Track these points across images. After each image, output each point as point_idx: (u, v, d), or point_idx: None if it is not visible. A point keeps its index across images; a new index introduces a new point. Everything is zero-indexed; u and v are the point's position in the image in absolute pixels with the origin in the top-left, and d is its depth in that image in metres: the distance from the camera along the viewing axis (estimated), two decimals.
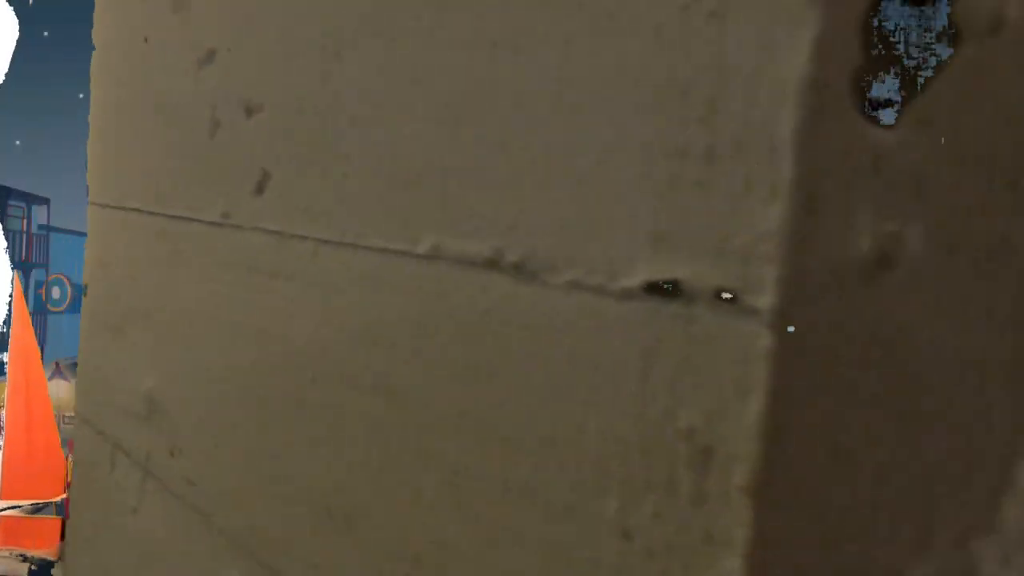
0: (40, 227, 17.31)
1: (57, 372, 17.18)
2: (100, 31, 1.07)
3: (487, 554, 0.50)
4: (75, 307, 16.76)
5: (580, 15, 0.43)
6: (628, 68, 0.41)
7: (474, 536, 0.50)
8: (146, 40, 0.94)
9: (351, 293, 0.61)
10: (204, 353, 0.81)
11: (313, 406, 0.65)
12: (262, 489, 0.70)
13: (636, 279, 0.40)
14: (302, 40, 0.67)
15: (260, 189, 0.72)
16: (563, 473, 0.45)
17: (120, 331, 1.02)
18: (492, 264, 0.49)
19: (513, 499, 0.48)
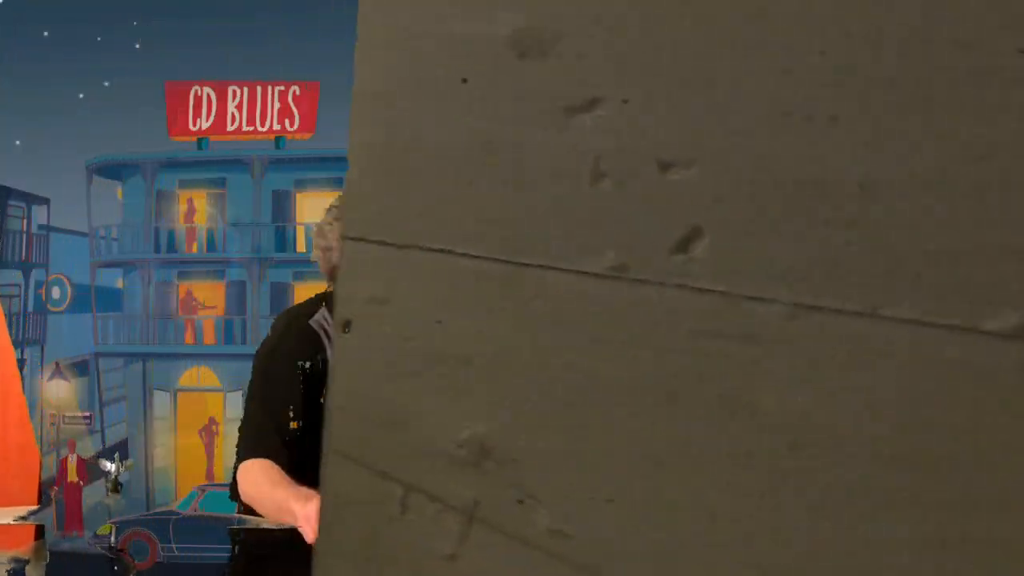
0: (40, 227, 17.15)
1: (57, 372, 17.04)
2: (370, 74, 1.06)
3: None
4: (75, 307, 16.60)
5: None
6: None
7: None
8: (464, 82, 0.93)
9: (855, 360, 0.61)
10: (578, 404, 0.81)
11: (785, 472, 0.64)
12: (685, 547, 0.70)
13: None
14: (770, 103, 0.66)
15: (684, 246, 0.72)
16: None
17: (413, 374, 1.01)
18: None
19: None
